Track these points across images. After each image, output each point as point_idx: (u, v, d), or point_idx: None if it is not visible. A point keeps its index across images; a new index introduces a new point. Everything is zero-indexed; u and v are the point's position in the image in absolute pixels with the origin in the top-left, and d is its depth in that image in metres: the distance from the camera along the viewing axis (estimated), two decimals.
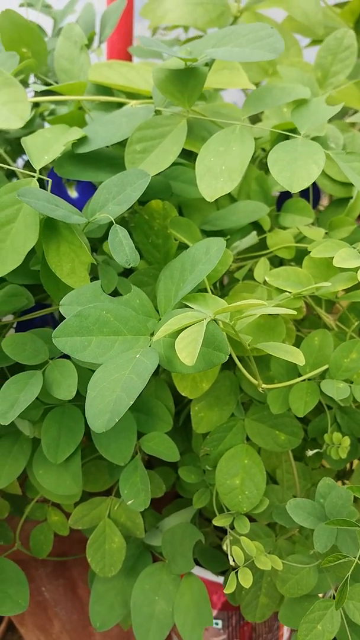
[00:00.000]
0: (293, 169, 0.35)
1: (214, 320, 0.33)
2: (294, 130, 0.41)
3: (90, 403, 0.32)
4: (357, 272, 0.37)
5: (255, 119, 0.66)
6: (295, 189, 0.34)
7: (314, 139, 0.51)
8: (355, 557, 0.37)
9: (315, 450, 0.48)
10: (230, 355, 0.41)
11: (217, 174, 0.36)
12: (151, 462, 0.57)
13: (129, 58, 0.67)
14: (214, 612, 0.62)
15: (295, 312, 0.33)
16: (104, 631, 0.76)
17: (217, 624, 0.63)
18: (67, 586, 0.72)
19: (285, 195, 0.54)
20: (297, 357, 0.35)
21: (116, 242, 0.34)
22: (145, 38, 0.36)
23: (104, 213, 0.36)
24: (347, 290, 0.45)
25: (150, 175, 0.37)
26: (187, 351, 0.29)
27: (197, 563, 0.55)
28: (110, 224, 0.36)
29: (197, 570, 0.56)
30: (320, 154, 0.36)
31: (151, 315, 0.38)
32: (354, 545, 0.40)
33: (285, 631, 0.69)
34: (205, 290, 0.42)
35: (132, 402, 0.29)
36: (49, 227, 0.36)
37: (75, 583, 0.71)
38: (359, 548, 0.40)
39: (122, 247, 0.34)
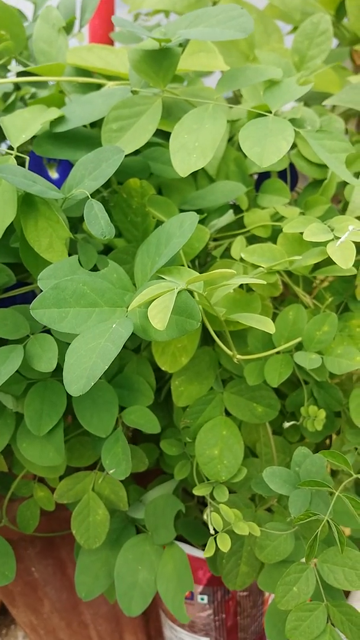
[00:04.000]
0: (263, 144, 0.36)
1: (186, 290, 0.34)
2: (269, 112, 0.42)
3: (67, 369, 0.33)
4: (326, 246, 0.38)
5: (235, 102, 0.67)
6: (265, 163, 0.36)
7: (291, 120, 0.53)
8: (324, 516, 0.38)
9: (291, 422, 0.50)
10: (209, 330, 0.42)
11: (190, 150, 0.37)
12: (136, 439, 0.59)
13: (110, 43, 0.68)
14: (200, 588, 0.64)
15: (264, 282, 0.35)
16: (93, 610, 0.78)
17: (202, 599, 0.65)
18: (56, 566, 0.73)
19: (264, 177, 0.55)
20: (267, 325, 0.36)
21: (91, 216, 0.35)
22: (120, 19, 0.37)
23: (80, 189, 0.37)
24: (320, 267, 0.47)
25: (125, 152, 0.38)
26: (159, 317, 0.30)
27: (182, 539, 0.57)
28: (87, 199, 0.37)
29: (182, 546, 0.58)
30: (290, 130, 0.37)
31: (128, 289, 0.39)
32: (326, 508, 0.42)
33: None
34: (182, 265, 0.43)
35: (106, 367, 0.30)
36: (27, 203, 0.38)
37: (64, 563, 0.73)
38: (329, 510, 0.41)
39: (98, 220, 0.35)
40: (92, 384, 0.30)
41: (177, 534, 0.54)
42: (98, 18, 0.67)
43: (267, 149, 0.36)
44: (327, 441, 0.62)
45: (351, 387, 0.55)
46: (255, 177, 0.57)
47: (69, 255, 0.40)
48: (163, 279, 0.37)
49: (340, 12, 0.81)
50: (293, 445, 0.56)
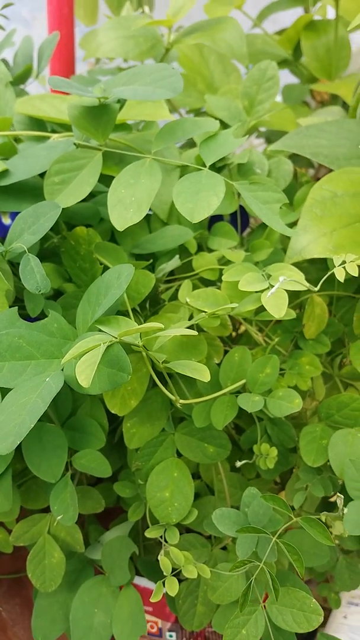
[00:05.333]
0: (195, 200, 0.37)
1: (118, 342, 0.35)
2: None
3: None
4: (262, 294, 0.39)
5: (193, 145, 0.69)
6: (195, 219, 0.37)
7: (240, 165, 0.55)
8: (260, 562, 0.39)
9: (244, 461, 0.51)
10: (160, 372, 0.43)
11: (127, 205, 0.39)
12: (95, 478, 0.59)
13: None
14: (167, 625, 0.64)
15: (195, 333, 0.36)
16: None
17: (171, 636, 0.64)
18: (24, 605, 0.72)
19: (215, 219, 0.57)
20: (203, 374, 0.37)
21: (27, 270, 0.36)
22: (56, 79, 0.39)
23: (19, 242, 0.38)
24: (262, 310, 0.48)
25: (66, 205, 0.39)
26: (85, 374, 0.31)
27: (141, 575, 0.57)
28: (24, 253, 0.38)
29: (147, 583, 0.58)
30: (221, 186, 0.39)
31: (69, 337, 0.40)
32: (272, 552, 0.42)
33: None
34: (126, 312, 0.44)
35: (32, 425, 0.31)
36: None
37: (31, 601, 0.72)
38: (275, 554, 0.42)
39: (33, 274, 0.36)
40: (19, 442, 0.31)
41: (139, 572, 0.54)
42: (58, 62, 0.69)
43: (198, 204, 0.37)
44: (291, 473, 0.62)
45: (305, 423, 0.56)
46: (208, 219, 0.59)
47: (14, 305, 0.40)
48: (99, 329, 0.38)
49: (297, 51, 0.84)
50: (250, 482, 0.56)
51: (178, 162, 0.44)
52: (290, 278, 0.37)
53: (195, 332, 0.36)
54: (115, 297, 0.38)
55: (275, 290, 0.37)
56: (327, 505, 0.57)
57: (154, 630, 0.63)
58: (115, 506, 0.58)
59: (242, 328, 0.57)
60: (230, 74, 0.76)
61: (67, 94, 0.69)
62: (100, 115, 0.41)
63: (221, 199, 0.38)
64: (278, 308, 0.38)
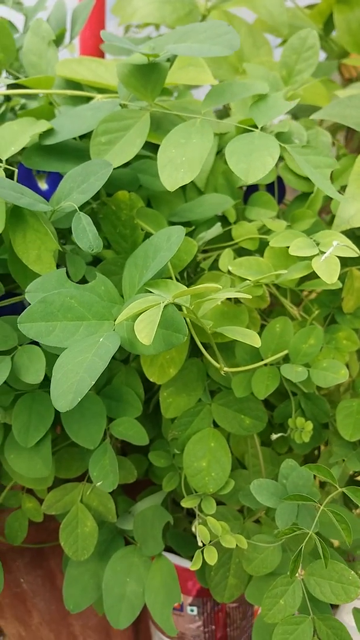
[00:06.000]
0: (249, 160, 0.37)
1: (173, 303, 0.34)
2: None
3: (55, 384, 0.33)
4: (312, 261, 0.39)
5: (225, 116, 0.68)
6: (250, 179, 0.36)
7: (279, 134, 0.53)
8: (309, 531, 0.38)
9: (279, 434, 0.50)
10: (196, 342, 0.42)
11: (177, 165, 0.38)
12: (125, 450, 0.59)
13: (101, 55, 0.68)
14: (189, 599, 0.64)
15: (249, 296, 0.35)
16: (83, 622, 0.77)
17: (192, 610, 0.65)
18: (45, 577, 0.72)
19: (252, 189, 0.56)
20: (253, 339, 0.36)
21: (79, 229, 0.35)
22: (109, 34, 0.38)
23: (68, 202, 0.37)
24: (306, 280, 0.47)
25: (114, 165, 0.38)
26: (145, 332, 0.30)
27: (171, 550, 0.57)
28: (75, 212, 0.37)
29: (171, 558, 0.58)
30: (275, 146, 0.38)
31: (116, 301, 0.39)
32: (312, 521, 0.42)
33: None
34: (170, 278, 0.43)
35: (93, 382, 0.31)
36: (16, 215, 0.38)
37: (53, 574, 0.72)
38: (314, 523, 0.41)
39: (86, 234, 0.35)
40: (79, 399, 0.30)
41: (166, 545, 0.54)
42: (89, 30, 0.68)
43: (252, 165, 0.36)
44: (316, 452, 0.62)
45: (338, 399, 0.56)
46: (244, 189, 0.58)
47: (58, 267, 0.40)
48: (150, 292, 0.37)
49: (328, 25, 0.82)
50: (281, 457, 0.56)
51: (228, 123, 0.43)
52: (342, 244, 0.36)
53: (248, 295, 0.35)
54: (165, 259, 0.37)
55: (328, 255, 0.36)
56: (352, 483, 0.57)
57: (176, 604, 0.63)
58: (140, 479, 0.58)
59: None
60: (260, 47, 0.74)
61: (103, 56, 0.68)
62: (149, 74, 0.40)
63: (276, 159, 0.37)
64: (330, 274, 0.37)
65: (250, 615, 0.69)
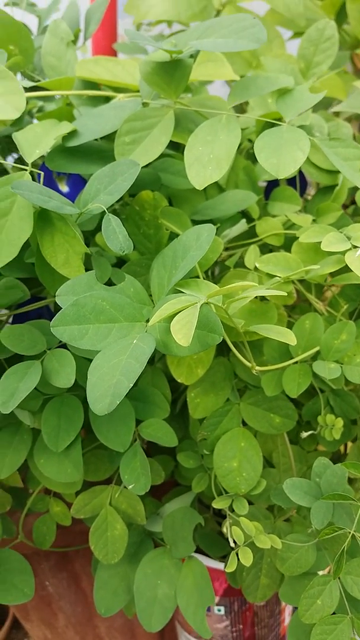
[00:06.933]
0: (279, 155, 0.36)
1: (207, 303, 0.34)
2: (279, 120, 0.42)
3: (91, 388, 0.32)
4: (344, 255, 0.38)
5: (240, 111, 0.67)
6: (281, 174, 0.35)
7: (299, 127, 0.53)
8: (350, 530, 0.38)
9: (309, 432, 0.50)
10: (224, 341, 0.42)
11: (205, 163, 0.37)
12: (150, 451, 0.58)
13: (113, 54, 0.68)
14: (216, 599, 0.63)
15: (285, 294, 0.35)
16: (108, 623, 0.77)
17: (219, 610, 0.64)
18: (70, 579, 0.72)
19: (273, 185, 0.55)
20: (288, 337, 0.36)
21: (110, 231, 0.35)
22: (132, 32, 0.37)
23: (96, 203, 0.37)
24: (334, 275, 0.46)
25: (140, 165, 0.38)
26: (183, 332, 0.30)
27: (199, 550, 0.56)
28: (103, 214, 0.36)
29: (199, 557, 0.57)
30: (305, 140, 0.37)
31: (145, 302, 0.39)
32: (349, 520, 0.42)
33: (287, 615, 0.70)
34: (197, 277, 0.43)
35: (131, 385, 0.30)
36: (43, 218, 0.37)
37: (78, 576, 0.72)
38: (354, 522, 0.41)
39: (116, 235, 0.35)
40: (118, 402, 0.30)
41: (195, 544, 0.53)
42: (101, 30, 0.67)
43: (283, 159, 0.36)
44: (342, 449, 0.61)
45: None
46: (264, 184, 0.57)
47: (85, 269, 0.39)
48: (181, 292, 0.37)
49: (340, 16, 0.81)
50: (309, 454, 0.55)
51: (255, 117, 0.42)
52: None
53: (283, 293, 0.35)
54: (195, 258, 0.37)
55: None
56: None
57: None
58: (166, 480, 0.57)
59: None
60: (272, 40, 0.73)
61: (115, 55, 0.67)
62: (173, 71, 0.40)
63: (307, 153, 0.36)
64: None
65: (278, 613, 0.69)
